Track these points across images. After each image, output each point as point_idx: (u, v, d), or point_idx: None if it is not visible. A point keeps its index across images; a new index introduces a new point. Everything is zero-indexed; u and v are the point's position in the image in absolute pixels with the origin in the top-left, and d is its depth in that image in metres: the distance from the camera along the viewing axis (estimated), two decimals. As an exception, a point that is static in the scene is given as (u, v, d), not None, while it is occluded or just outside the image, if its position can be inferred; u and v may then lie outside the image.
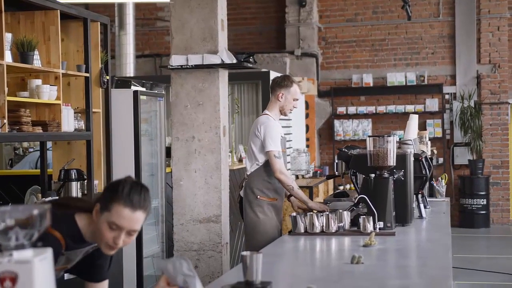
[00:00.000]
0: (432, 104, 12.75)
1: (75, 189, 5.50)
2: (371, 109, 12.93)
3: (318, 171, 10.99)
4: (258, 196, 5.21)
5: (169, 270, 2.47)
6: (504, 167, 12.73)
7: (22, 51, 4.90)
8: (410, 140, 5.24)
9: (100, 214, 2.62)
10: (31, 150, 8.80)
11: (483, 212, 12.37)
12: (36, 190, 5.80)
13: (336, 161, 5.13)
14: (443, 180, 6.49)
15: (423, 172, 5.03)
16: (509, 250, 10.65)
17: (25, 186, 6.07)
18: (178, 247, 5.73)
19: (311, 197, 8.99)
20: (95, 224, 2.65)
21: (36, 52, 5.02)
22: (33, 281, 1.73)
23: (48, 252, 1.79)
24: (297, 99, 5.35)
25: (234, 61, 5.65)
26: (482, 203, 12.34)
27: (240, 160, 8.71)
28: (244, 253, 2.76)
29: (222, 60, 5.61)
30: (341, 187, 11.54)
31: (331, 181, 11.40)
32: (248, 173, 5.33)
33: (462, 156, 12.70)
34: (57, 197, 5.12)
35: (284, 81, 5.33)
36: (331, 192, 10.58)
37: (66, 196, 3.12)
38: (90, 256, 2.84)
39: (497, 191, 12.70)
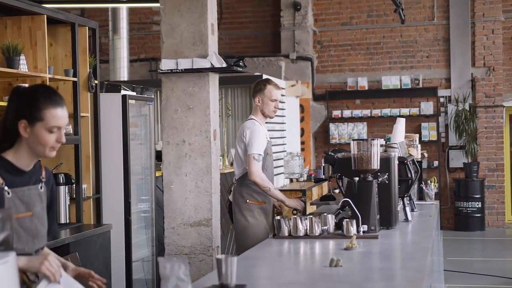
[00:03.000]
0: (427, 107, 12.76)
1: (63, 193, 5.51)
2: (366, 112, 12.95)
3: (313, 175, 10.99)
4: (248, 200, 5.29)
5: (166, 269, 2.49)
6: (499, 170, 12.73)
7: (8, 56, 4.92)
8: (396, 143, 5.25)
9: (32, 127, 2.72)
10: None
11: (478, 215, 12.38)
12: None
13: (323, 164, 5.15)
14: (432, 184, 6.50)
15: (409, 175, 5.04)
16: (504, 253, 10.65)
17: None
18: (169, 250, 5.74)
19: (304, 201, 8.99)
20: (28, 141, 2.74)
21: (22, 56, 5.04)
22: (-6, 285, 1.74)
23: (11, 256, 1.80)
24: (275, 100, 5.42)
25: (224, 65, 5.66)
26: (477, 206, 12.34)
27: (232, 164, 8.72)
28: (219, 256, 2.78)
29: (211, 64, 5.62)
30: (337, 191, 11.54)
31: (325, 184, 11.41)
32: (236, 178, 5.40)
33: (457, 159, 12.71)
34: None
35: (258, 85, 5.47)
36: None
37: None
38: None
39: (492, 194, 12.71)
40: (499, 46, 12.69)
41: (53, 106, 2.74)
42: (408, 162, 5.05)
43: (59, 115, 2.75)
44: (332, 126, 13.07)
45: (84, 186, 5.88)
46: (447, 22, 12.84)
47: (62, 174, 5.55)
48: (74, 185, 5.70)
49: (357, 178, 4.43)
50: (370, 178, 4.44)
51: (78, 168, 5.75)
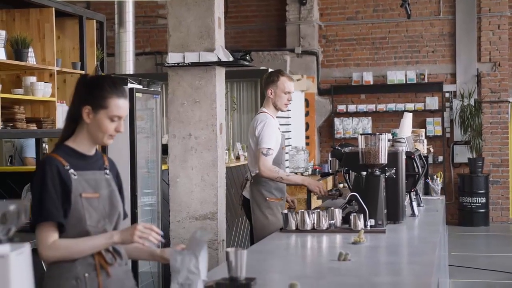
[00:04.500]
0: (432, 102, 12.76)
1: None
2: (371, 107, 12.95)
3: (318, 169, 10.98)
4: (267, 198, 5.18)
5: (177, 261, 2.49)
6: (504, 165, 12.73)
7: (17, 48, 4.93)
8: (403, 138, 5.25)
9: (95, 114, 2.84)
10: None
11: (483, 210, 12.38)
12: (32, 187, 5.82)
13: (330, 159, 5.14)
14: (438, 178, 6.49)
15: (416, 170, 5.03)
16: (508, 248, 10.66)
17: (23, 182, 6.09)
18: (175, 244, 5.74)
19: (309, 195, 8.94)
20: (89, 127, 2.85)
21: (30, 49, 5.05)
22: (9, 276, 1.75)
23: (26, 247, 1.81)
24: (288, 92, 5.27)
25: (231, 59, 5.65)
26: (481, 202, 12.34)
27: (238, 158, 8.73)
28: (229, 249, 2.79)
29: (218, 58, 5.61)
30: (341, 185, 11.53)
31: (330, 179, 11.40)
32: (253, 174, 5.26)
33: (462, 155, 12.71)
34: None
35: (270, 77, 5.31)
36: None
37: None
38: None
39: (497, 190, 12.71)
40: (505, 41, 12.68)
41: (117, 96, 2.85)
42: (415, 157, 5.05)
43: (122, 106, 2.86)
44: (337, 121, 13.07)
45: (90, 178, 5.88)
46: (453, 17, 12.83)
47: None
48: (81, 177, 5.71)
49: (364, 173, 4.43)
50: (377, 172, 4.44)
51: (85, 160, 5.76)
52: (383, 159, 4.42)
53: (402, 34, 13.05)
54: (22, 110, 5.03)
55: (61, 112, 5.39)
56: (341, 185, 11.29)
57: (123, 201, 3.05)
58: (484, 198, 12.37)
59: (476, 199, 12.34)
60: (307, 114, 12.49)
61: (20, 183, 6.22)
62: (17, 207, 1.80)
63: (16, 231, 1.90)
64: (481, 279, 8.33)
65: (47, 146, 6.25)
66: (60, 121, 5.37)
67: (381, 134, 4.46)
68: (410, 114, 5.82)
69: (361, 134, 4.48)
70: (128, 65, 11.01)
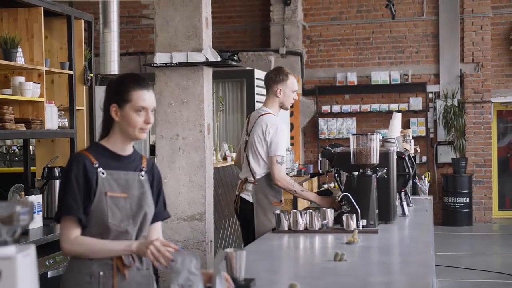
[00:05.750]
0: (416, 102, 12.83)
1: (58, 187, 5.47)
2: (355, 107, 12.98)
3: (303, 169, 11.02)
4: (273, 202, 5.04)
5: (177, 262, 2.48)
6: (487, 165, 12.82)
7: (5, 48, 4.88)
8: (393, 138, 5.26)
9: (121, 110, 2.91)
10: (14, 148, 8.77)
11: (466, 210, 12.47)
12: (19, 188, 5.78)
13: (320, 159, 5.12)
14: (426, 178, 6.52)
15: (406, 170, 5.05)
16: (491, 248, 10.74)
17: (9, 183, 6.04)
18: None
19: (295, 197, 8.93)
20: (119, 124, 2.92)
21: (19, 49, 5.00)
22: (16, 277, 1.73)
23: (31, 249, 1.79)
24: (295, 91, 5.11)
25: (218, 59, 5.65)
26: (465, 201, 12.43)
27: (225, 158, 8.71)
28: (228, 250, 2.78)
29: (206, 58, 5.60)
30: (325, 186, 11.58)
31: (315, 179, 11.45)
32: (258, 177, 5.04)
33: (446, 155, 12.78)
34: None
35: (279, 75, 5.07)
36: (315, 190, 10.60)
37: None
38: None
39: (480, 189, 12.80)
40: (487, 42, 12.77)
41: (139, 88, 2.91)
42: (405, 157, 5.07)
43: (145, 97, 2.91)
44: (321, 121, 13.09)
45: (79, 179, 5.84)
46: (436, 18, 12.90)
47: (58, 168, 5.51)
48: (69, 178, 5.66)
49: (356, 173, 4.43)
50: (369, 172, 4.45)
51: (73, 161, 5.71)
52: (375, 159, 4.44)
53: (386, 35, 13.10)
54: (11, 111, 4.97)
55: (50, 113, 5.35)
56: (325, 186, 11.34)
57: (158, 203, 3.06)
58: (468, 198, 12.45)
59: (459, 199, 12.42)
60: (291, 114, 12.51)
61: (6, 184, 6.17)
62: (22, 209, 1.78)
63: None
64: (466, 279, 8.38)
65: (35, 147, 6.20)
66: (48, 122, 5.32)
67: (373, 134, 4.48)
68: (399, 114, 5.83)
69: (353, 134, 4.49)
70: (113, 66, 10.93)
